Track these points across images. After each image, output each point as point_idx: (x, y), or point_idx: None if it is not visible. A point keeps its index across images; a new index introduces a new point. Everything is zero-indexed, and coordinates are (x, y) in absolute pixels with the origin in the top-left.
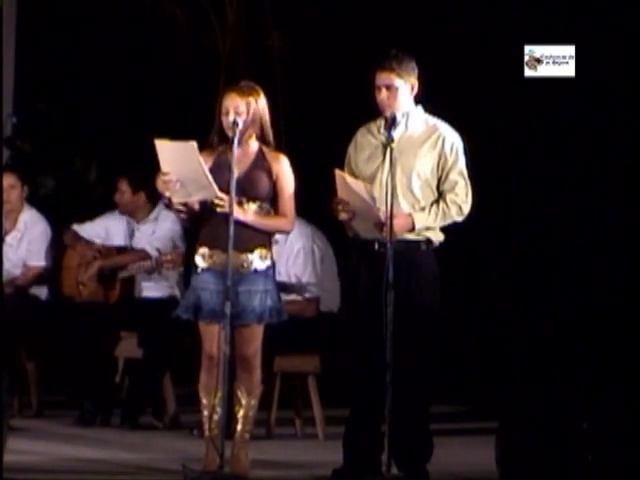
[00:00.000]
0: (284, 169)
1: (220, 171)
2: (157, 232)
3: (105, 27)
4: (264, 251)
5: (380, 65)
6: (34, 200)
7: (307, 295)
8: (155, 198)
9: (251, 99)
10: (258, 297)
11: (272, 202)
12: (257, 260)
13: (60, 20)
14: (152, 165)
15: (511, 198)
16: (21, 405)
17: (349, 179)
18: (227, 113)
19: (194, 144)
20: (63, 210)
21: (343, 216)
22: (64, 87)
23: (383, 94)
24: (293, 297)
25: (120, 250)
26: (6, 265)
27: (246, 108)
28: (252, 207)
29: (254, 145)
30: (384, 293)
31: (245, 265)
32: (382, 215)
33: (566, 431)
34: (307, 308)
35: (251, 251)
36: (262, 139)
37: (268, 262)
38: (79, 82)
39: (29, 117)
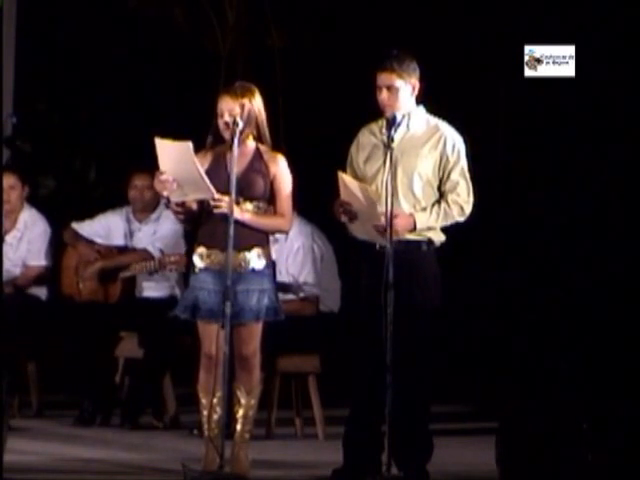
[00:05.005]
0: (281, 169)
1: (218, 171)
2: (158, 232)
3: (105, 27)
4: (262, 250)
5: (381, 66)
6: (34, 200)
7: (302, 295)
8: None
9: (245, 100)
10: (255, 296)
11: (269, 202)
12: (255, 259)
13: (60, 20)
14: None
15: (511, 198)
16: (21, 405)
17: (350, 181)
18: (222, 115)
19: (189, 144)
20: (63, 210)
21: (344, 218)
22: (64, 87)
23: (384, 95)
24: (291, 296)
25: (121, 250)
26: (6, 265)
27: (240, 110)
28: (249, 207)
29: (251, 145)
30: (384, 293)
31: (243, 264)
32: (383, 218)
33: (566, 431)
34: (305, 307)
35: (249, 250)
36: (259, 139)
37: (266, 261)
38: (79, 82)
39: (29, 117)
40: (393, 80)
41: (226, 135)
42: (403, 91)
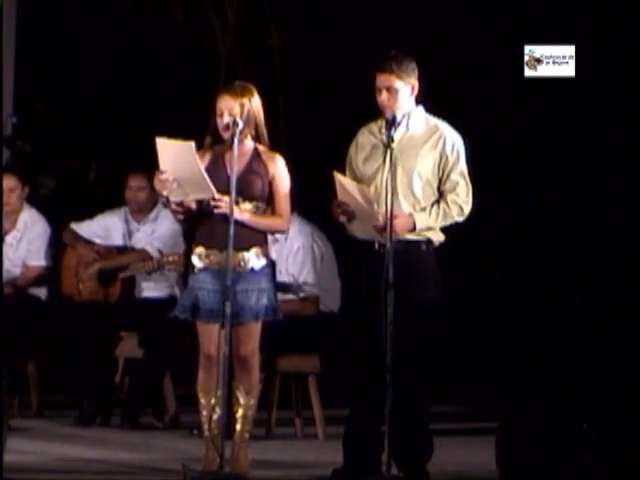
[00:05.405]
0: (279, 169)
1: (216, 171)
2: (157, 232)
3: (105, 27)
4: (260, 250)
5: (380, 67)
6: (34, 200)
7: (302, 295)
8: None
9: (245, 100)
10: (254, 296)
11: (267, 202)
12: (253, 259)
13: (60, 20)
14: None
15: (511, 198)
16: (21, 405)
17: (346, 182)
18: (221, 115)
19: (192, 144)
20: (63, 210)
21: (342, 218)
22: (64, 87)
23: (384, 96)
24: (291, 296)
25: (120, 250)
26: (6, 265)
27: (240, 110)
28: (248, 207)
29: (249, 145)
30: (384, 293)
31: (242, 264)
32: (381, 218)
33: (566, 431)
34: (305, 307)
35: (247, 250)
36: (257, 139)
37: (264, 261)
38: (79, 82)
39: (29, 117)
40: (392, 81)
41: (225, 135)
42: (403, 92)
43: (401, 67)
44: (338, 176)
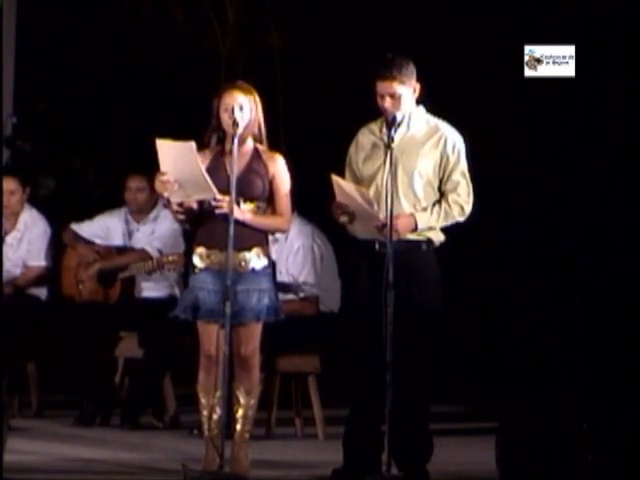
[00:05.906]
0: (280, 169)
1: (217, 171)
2: (157, 232)
3: (105, 27)
4: (261, 250)
5: (381, 75)
6: (34, 200)
7: (302, 295)
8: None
9: (253, 97)
10: (255, 296)
11: (268, 201)
12: (254, 259)
13: (60, 20)
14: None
15: (511, 198)
16: (21, 405)
17: (344, 184)
18: (230, 110)
19: (193, 145)
20: (63, 210)
21: (343, 219)
22: (64, 87)
23: (387, 102)
24: (291, 296)
25: (120, 250)
26: (6, 265)
27: (249, 105)
28: (248, 207)
29: (250, 145)
30: (384, 293)
31: (243, 264)
32: (382, 217)
33: (566, 431)
34: (305, 307)
35: (248, 250)
36: (258, 139)
37: (265, 261)
38: (79, 82)
39: (29, 117)
40: (395, 88)
41: (231, 131)
42: (405, 96)
43: (402, 71)
44: (336, 178)
